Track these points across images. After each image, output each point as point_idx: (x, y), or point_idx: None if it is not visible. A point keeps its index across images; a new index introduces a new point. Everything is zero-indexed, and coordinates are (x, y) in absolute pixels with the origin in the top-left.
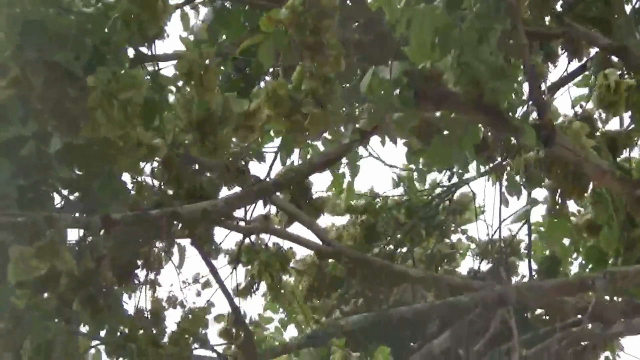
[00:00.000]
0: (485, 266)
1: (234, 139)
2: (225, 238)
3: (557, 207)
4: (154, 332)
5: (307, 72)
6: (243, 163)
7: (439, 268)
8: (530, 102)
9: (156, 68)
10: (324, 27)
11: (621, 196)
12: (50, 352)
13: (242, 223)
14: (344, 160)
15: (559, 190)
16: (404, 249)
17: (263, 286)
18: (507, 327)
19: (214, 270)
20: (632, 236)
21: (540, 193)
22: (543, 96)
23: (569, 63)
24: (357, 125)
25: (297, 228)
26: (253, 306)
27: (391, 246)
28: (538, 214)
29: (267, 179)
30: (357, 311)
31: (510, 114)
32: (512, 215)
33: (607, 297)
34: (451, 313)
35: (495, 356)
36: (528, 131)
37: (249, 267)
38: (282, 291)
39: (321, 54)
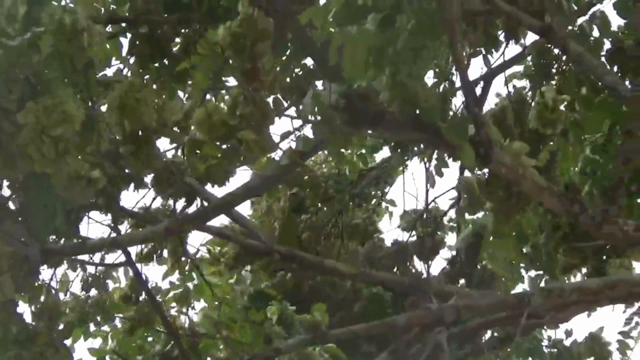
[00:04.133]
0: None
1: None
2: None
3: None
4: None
5: (242, 96)
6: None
7: (364, 240)
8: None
9: None
10: (259, 50)
11: (559, 213)
12: None
13: None
14: None
15: (500, 211)
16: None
17: None
18: None
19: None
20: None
21: None
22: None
23: (506, 45)
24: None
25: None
26: None
27: (316, 218)
28: None
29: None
30: (285, 284)
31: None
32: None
33: None
34: (388, 333)
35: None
36: (467, 150)
37: None
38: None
39: (257, 79)
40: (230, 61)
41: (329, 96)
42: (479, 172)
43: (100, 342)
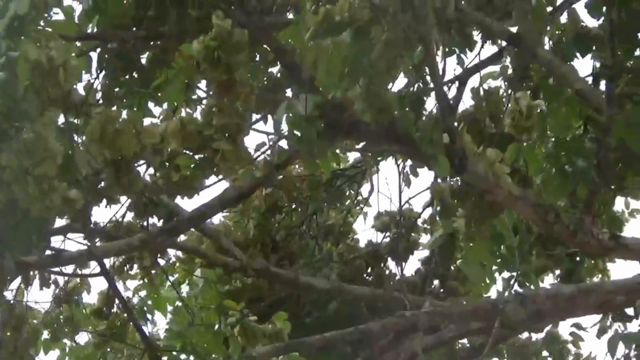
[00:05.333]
0: (385, 240)
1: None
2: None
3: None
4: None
5: (217, 107)
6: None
7: (339, 240)
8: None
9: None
10: (235, 63)
11: (534, 222)
12: None
13: None
14: None
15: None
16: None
17: None
18: None
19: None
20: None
21: None
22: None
23: (482, 46)
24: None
25: None
26: None
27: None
28: None
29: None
30: (258, 286)
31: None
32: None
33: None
34: (363, 340)
35: None
36: (441, 161)
37: None
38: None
39: (233, 91)
40: (206, 74)
41: (305, 107)
42: (452, 180)
43: (58, 353)
